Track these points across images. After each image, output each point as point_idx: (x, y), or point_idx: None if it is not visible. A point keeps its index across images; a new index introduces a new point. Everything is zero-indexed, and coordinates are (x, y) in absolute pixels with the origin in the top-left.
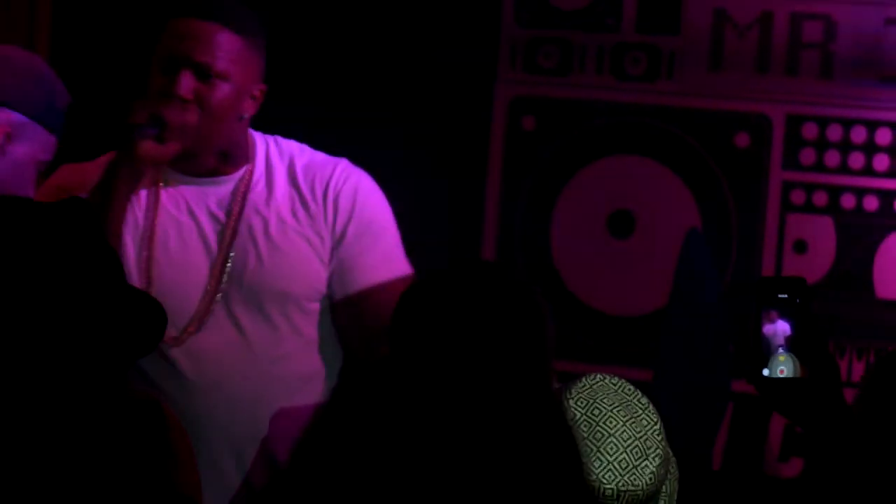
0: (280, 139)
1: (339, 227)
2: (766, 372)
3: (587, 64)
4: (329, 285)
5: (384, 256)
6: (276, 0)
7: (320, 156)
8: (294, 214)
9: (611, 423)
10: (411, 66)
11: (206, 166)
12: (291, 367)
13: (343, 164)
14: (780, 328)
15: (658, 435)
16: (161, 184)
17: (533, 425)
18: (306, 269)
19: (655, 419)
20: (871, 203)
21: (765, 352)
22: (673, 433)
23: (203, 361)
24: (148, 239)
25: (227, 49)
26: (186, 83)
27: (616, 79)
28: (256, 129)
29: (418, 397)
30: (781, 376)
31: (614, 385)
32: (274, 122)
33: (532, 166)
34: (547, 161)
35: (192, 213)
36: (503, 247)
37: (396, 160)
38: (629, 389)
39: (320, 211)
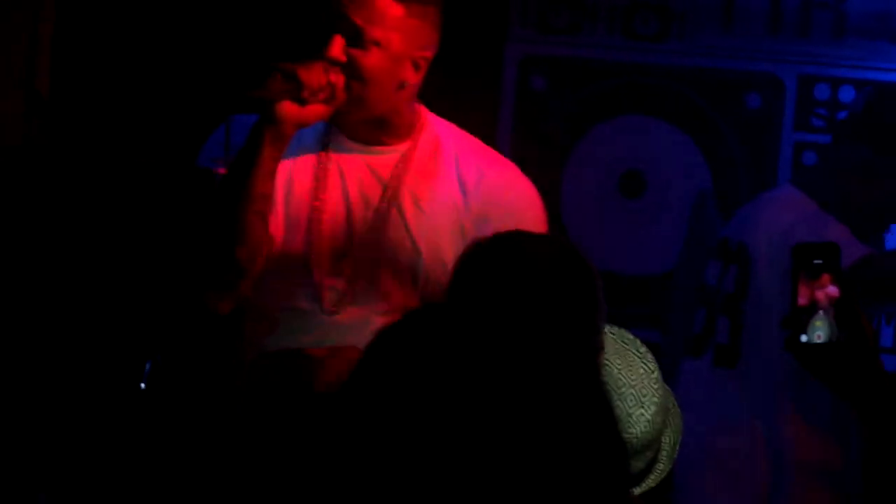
0: (456, 128)
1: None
2: (803, 338)
3: (598, 23)
4: None
5: None
6: None
7: (492, 154)
8: (450, 200)
9: (605, 369)
10: None
11: (365, 134)
12: None
13: (510, 169)
14: (816, 293)
15: (655, 384)
16: (329, 148)
17: (569, 383)
18: (445, 254)
19: (653, 367)
20: None
21: (802, 317)
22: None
23: (350, 329)
24: (315, 201)
25: (386, 15)
26: (336, 46)
27: (627, 38)
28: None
29: (466, 345)
30: (819, 342)
31: (613, 334)
32: None
33: (542, 126)
34: (557, 121)
35: (348, 180)
36: None
37: None
38: (628, 338)
39: (475, 206)
